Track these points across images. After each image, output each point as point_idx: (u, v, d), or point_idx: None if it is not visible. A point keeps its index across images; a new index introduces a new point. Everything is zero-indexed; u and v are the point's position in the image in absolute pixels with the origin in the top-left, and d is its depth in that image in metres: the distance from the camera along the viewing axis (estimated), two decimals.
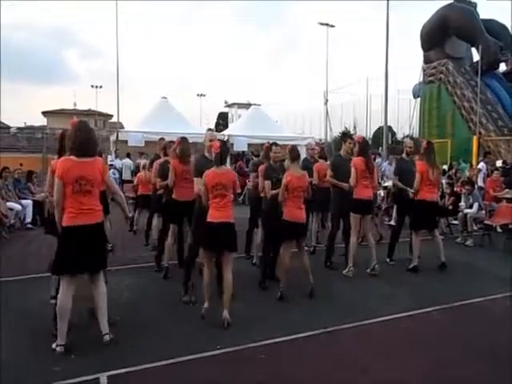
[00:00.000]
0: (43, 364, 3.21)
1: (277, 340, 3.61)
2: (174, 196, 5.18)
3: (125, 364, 3.16)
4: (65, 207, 3.33)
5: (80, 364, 3.18)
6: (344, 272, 5.58)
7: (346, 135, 6.50)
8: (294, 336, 3.69)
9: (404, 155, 6.37)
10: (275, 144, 5.39)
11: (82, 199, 3.33)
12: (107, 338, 3.43)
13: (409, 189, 5.99)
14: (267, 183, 4.99)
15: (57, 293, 3.54)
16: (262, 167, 5.24)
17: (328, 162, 6.58)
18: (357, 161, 5.56)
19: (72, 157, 3.33)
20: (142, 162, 8.68)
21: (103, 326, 3.45)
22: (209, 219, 3.99)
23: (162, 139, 6.89)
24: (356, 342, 3.68)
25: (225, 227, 3.97)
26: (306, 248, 6.71)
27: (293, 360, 3.33)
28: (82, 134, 3.38)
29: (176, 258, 5.63)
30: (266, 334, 3.70)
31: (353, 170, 5.53)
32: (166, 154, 5.98)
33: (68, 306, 3.35)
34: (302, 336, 3.71)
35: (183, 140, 5.25)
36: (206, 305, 4.06)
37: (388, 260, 6.22)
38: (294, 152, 4.82)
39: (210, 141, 4.56)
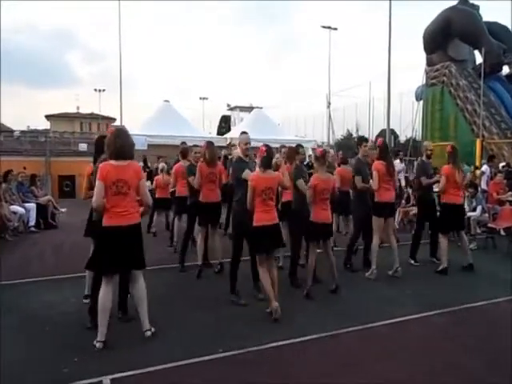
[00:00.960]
0: (49, 366, 3.23)
1: (280, 343, 3.61)
2: (200, 198, 5.50)
3: (128, 367, 3.17)
4: (105, 209, 3.49)
5: (84, 366, 3.20)
6: (367, 274, 5.67)
7: (362, 139, 6.68)
8: (297, 339, 3.68)
9: (424, 158, 6.48)
10: (300, 146, 5.71)
11: (120, 201, 3.48)
12: (148, 333, 3.65)
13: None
14: (301, 182, 5.11)
15: (93, 292, 3.79)
16: (287, 166, 5.22)
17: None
18: (378, 165, 5.68)
19: (111, 161, 3.49)
20: (160, 165, 8.82)
21: (144, 323, 3.67)
22: (257, 223, 4.20)
23: (183, 143, 7.58)
24: (359, 346, 3.67)
25: (274, 229, 4.26)
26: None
27: (296, 363, 3.32)
28: (120, 140, 3.54)
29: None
30: (269, 337, 3.70)
31: (375, 173, 5.65)
32: (184, 158, 6.49)
33: (108, 304, 3.53)
34: (306, 339, 3.71)
35: (210, 144, 5.63)
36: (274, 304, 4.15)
37: (412, 262, 6.36)
38: (323, 158, 4.97)
39: (246, 144, 4.76)
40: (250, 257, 4.77)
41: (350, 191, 6.54)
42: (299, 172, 5.24)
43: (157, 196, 8.03)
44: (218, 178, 5.59)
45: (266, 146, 4.35)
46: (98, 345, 3.46)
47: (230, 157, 7.55)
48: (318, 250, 4.99)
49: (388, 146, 6.34)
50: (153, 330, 3.69)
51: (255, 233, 4.24)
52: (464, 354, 3.50)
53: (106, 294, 3.52)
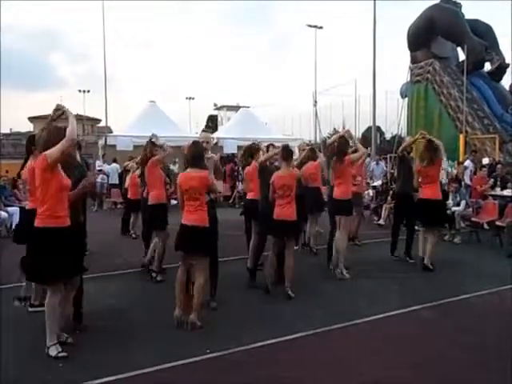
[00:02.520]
0: (34, 372, 3.18)
1: (266, 342, 3.60)
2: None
3: (115, 371, 3.13)
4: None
5: (70, 372, 3.15)
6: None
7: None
8: (283, 338, 3.69)
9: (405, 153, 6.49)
10: (272, 145, 5.69)
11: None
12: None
13: None
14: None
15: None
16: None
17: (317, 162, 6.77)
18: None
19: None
20: (130, 165, 8.50)
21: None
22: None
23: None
24: (345, 342, 3.69)
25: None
26: (296, 247, 6.78)
27: (282, 362, 3.33)
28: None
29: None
30: (254, 336, 3.70)
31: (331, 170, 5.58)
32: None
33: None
34: (291, 338, 3.71)
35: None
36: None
37: (393, 256, 6.38)
38: (285, 150, 4.89)
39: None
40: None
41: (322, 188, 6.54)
42: (265, 170, 5.13)
43: (130, 197, 7.86)
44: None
45: (193, 142, 4.27)
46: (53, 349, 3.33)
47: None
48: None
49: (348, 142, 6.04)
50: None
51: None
52: (450, 348, 3.55)
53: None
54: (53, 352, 3.32)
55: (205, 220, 3.95)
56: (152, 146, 5.55)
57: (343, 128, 31.67)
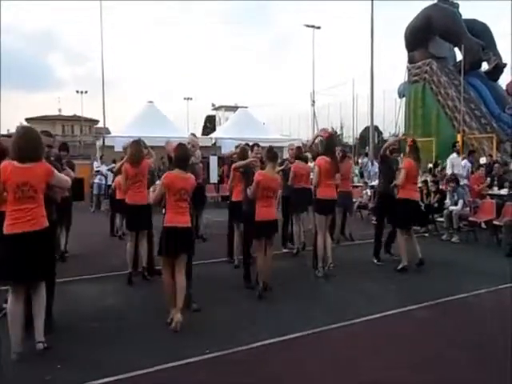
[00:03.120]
0: (33, 372, 3.17)
1: (265, 342, 3.61)
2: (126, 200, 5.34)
3: (114, 372, 3.12)
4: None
5: (68, 373, 3.14)
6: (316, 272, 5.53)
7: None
8: (281, 338, 3.69)
9: (387, 153, 6.41)
10: (257, 145, 5.63)
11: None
12: (40, 346, 3.36)
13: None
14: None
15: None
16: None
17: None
18: (320, 160, 5.49)
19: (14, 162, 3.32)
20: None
21: (38, 334, 3.38)
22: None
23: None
24: (343, 342, 3.69)
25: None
26: (286, 250, 6.79)
27: (281, 362, 3.33)
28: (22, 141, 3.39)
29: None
30: (253, 336, 3.70)
31: (316, 169, 5.50)
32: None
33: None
34: (290, 337, 3.71)
35: (134, 142, 5.35)
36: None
37: (375, 261, 6.18)
38: (270, 152, 4.92)
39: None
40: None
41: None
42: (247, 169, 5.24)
43: (118, 197, 7.87)
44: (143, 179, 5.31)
45: (179, 144, 4.27)
46: (14, 356, 3.25)
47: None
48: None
49: (333, 140, 6.06)
50: (45, 345, 3.37)
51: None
52: (448, 347, 3.56)
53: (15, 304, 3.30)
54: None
55: (190, 221, 4.12)
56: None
57: (341, 128, 31.78)
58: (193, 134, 5.29)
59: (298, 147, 7.08)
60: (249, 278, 5.11)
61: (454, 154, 9.54)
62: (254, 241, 4.96)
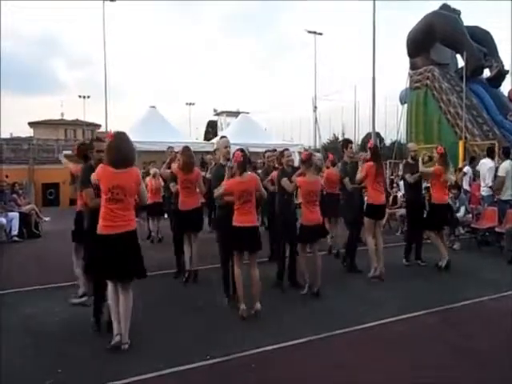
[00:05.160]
0: (32, 378, 3.16)
1: (267, 348, 3.59)
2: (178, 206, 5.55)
3: (115, 377, 3.11)
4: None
5: (69, 377, 3.13)
6: (369, 274, 5.73)
7: (346, 141, 6.69)
8: (284, 344, 3.67)
9: (409, 159, 6.60)
10: (286, 149, 5.75)
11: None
12: (126, 346, 3.54)
13: None
14: (285, 180, 5.13)
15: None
16: (275, 173, 5.62)
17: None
18: (369, 166, 5.72)
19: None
20: (152, 170, 8.60)
21: (124, 336, 3.57)
22: (236, 223, 4.34)
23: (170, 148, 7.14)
24: (347, 348, 3.67)
25: (251, 231, 4.35)
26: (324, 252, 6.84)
27: (283, 368, 3.31)
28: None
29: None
30: (255, 341, 3.68)
31: (363, 173, 5.71)
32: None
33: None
34: (293, 343, 3.69)
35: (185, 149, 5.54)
36: (243, 306, 4.28)
37: (405, 261, 6.50)
38: (309, 160, 5.05)
39: (225, 147, 4.86)
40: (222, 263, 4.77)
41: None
42: (283, 173, 5.27)
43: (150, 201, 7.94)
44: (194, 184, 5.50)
45: (240, 150, 4.46)
46: (123, 347, 3.50)
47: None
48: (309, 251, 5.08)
49: (379, 149, 6.50)
50: (129, 343, 3.57)
51: (235, 232, 4.35)
52: (451, 354, 3.53)
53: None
54: None
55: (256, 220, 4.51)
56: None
57: (343, 134, 31.89)
58: (223, 137, 5.37)
59: (332, 154, 7.41)
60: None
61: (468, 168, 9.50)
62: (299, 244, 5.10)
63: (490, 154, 8.94)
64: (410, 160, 6.56)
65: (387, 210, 9.50)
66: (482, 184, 8.35)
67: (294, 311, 4.52)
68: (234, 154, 4.51)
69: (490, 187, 8.15)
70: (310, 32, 26.54)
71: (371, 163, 5.70)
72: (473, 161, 11.33)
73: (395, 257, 6.47)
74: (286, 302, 4.76)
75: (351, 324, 4.08)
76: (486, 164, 8.42)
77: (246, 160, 4.48)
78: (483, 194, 8.31)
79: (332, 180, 6.74)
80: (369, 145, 6.15)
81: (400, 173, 9.31)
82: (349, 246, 6.17)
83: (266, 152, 7.14)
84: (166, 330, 4.03)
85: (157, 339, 3.81)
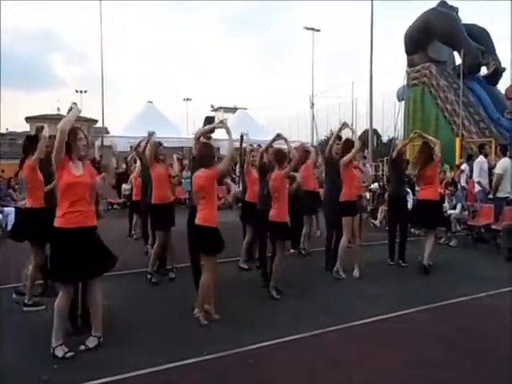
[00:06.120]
0: (28, 374, 3.15)
1: (263, 344, 3.60)
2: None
3: (109, 373, 3.11)
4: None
5: (65, 373, 3.13)
6: (334, 274, 5.59)
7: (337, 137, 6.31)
8: (281, 339, 3.68)
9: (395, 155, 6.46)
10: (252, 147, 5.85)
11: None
12: (95, 340, 3.49)
13: None
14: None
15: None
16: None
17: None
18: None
19: None
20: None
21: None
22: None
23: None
24: (342, 344, 3.69)
25: (208, 230, 4.02)
26: (293, 250, 6.80)
27: (279, 364, 3.32)
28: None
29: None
30: (253, 338, 3.69)
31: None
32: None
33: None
34: (289, 339, 3.70)
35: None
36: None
37: (389, 261, 6.31)
38: (278, 155, 4.88)
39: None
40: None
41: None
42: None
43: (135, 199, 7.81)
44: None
45: (203, 143, 4.33)
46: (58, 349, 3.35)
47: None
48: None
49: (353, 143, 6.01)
50: (101, 339, 3.52)
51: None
52: (447, 351, 3.55)
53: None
54: (59, 352, 3.33)
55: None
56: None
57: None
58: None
59: (306, 150, 7.11)
60: (266, 276, 5.08)
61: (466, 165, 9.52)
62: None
63: (481, 150, 8.98)
64: (394, 155, 6.39)
65: (383, 207, 9.54)
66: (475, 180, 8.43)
67: (289, 308, 4.52)
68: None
69: (478, 182, 8.21)
70: (307, 28, 26.48)
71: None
72: (470, 158, 11.38)
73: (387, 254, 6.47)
74: (281, 298, 4.75)
75: (347, 321, 4.09)
76: (477, 160, 8.53)
77: (205, 154, 4.12)
78: (475, 190, 8.38)
79: (308, 177, 6.60)
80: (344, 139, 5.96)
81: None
82: (329, 246, 5.95)
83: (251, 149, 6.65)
84: (162, 326, 4.02)
85: (154, 336, 3.81)
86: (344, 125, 6.09)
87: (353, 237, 5.66)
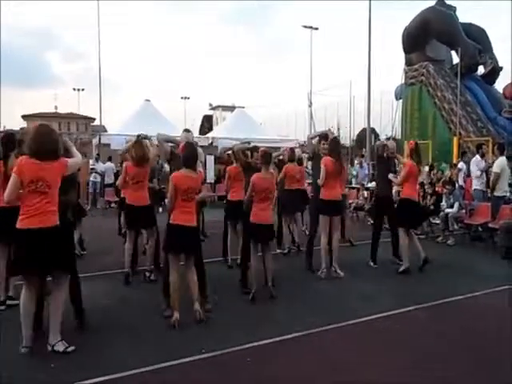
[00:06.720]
0: (26, 371, 3.14)
1: (261, 343, 3.59)
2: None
3: (106, 371, 3.10)
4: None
5: (62, 372, 3.11)
6: (318, 273, 5.54)
7: (325, 135, 6.08)
8: (278, 338, 3.68)
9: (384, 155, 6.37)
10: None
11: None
12: (60, 346, 3.36)
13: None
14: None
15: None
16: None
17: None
18: (327, 160, 5.46)
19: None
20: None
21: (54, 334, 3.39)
22: (174, 222, 4.01)
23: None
24: (340, 343, 3.69)
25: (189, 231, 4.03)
26: (279, 251, 6.77)
27: (277, 362, 3.32)
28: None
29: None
30: (250, 336, 3.69)
31: (322, 168, 5.42)
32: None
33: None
34: (286, 338, 3.70)
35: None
36: (176, 315, 3.91)
37: (372, 264, 6.14)
38: (264, 157, 4.85)
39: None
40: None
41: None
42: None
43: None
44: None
45: (187, 143, 4.24)
46: (23, 350, 3.30)
47: None
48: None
49: (338, 143, 6.13)
50: (66, 345, 3.37)
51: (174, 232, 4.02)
52: (444, 348, 3.55)
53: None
54: (59, 347, 3.34)
55: (196, 220, 4.11)
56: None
57: (338, 129, 31.91)
58: (186, 130, 5.26)
59: (291, 149, 7.14)
60: (245, 282, 4.96)
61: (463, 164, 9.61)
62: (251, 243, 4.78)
63: (478, 150, 9.03)
64: (383, 155, 6.28)
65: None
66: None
67: (287, 306, 4.52)
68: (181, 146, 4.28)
69: (479, 176, 8.27)
70: (305, 27, 26.41)
71: (329, 158, 5.49)
72: (464, 155, 11.45)
73: (388, 252, 6.47)
74: (278, 297, 4.74)
75: (344, 319, 4.09)
76: (473, 160, 8.59)
77: (191, 154, 4.05)
78: (473, 187, 8.42)
79: (291, 176, 6.59)
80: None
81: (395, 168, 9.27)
82: (310, 244, 5.88)
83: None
84: (159, 324, 4.01)
85: (150, 334, 3.80)
86: (328, 131, 6.46)
87: (330, 236, 5.59)
